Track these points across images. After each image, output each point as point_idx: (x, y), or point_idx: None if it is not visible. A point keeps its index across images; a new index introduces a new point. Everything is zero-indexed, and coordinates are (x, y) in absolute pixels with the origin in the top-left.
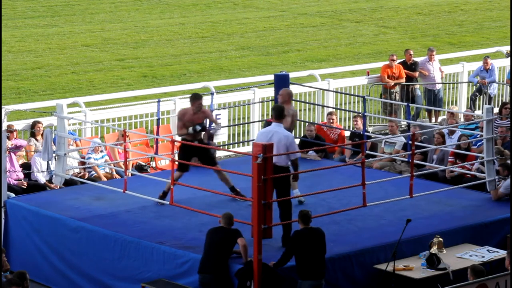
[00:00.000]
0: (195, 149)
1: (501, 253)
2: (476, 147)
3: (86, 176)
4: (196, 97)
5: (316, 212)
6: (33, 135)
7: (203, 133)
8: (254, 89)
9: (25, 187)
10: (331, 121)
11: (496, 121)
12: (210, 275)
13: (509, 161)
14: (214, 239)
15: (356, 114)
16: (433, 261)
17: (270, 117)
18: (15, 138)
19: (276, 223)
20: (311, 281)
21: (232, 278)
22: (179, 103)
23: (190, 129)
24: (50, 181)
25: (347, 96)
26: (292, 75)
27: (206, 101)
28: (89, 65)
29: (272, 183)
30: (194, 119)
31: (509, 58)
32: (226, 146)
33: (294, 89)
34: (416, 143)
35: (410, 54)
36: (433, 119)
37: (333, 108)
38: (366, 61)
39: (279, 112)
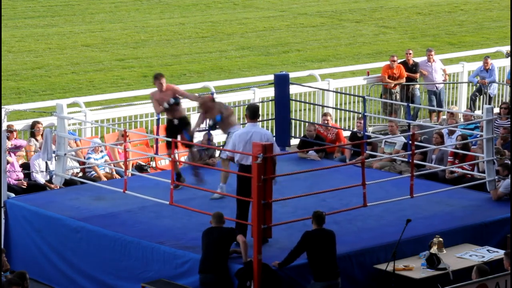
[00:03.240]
0: (178, 128)
1: (501, 253)
2: (475, 147)
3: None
4: (155, 77)
5: None
6: (33, 135)
7: (203, 133)
8: (254, 89)
9: (25, 187)
10: (326, 122)
11: (496, 121)
12: (211, 274)
13: (508, 161)
14: (210, 239)
15: (360, 116)
16: (433, 261)
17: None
18: (15, 138)
19: (276, 223)
20: (323, 282)
21: (232, 278)
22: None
23: (165, 104)
24: (50, 181)
25: (347, 96)
26: (292, 75)
27: None
28: (89, 65)
29: (241, 182)
30: (163, 97)
31: (509, 58)
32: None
33: (294, 89)
34: (416, 143)
35: (410, 54)
36: (434, 119)
37: (333, 108)
38: (366, 61)
39: (254, 111)
